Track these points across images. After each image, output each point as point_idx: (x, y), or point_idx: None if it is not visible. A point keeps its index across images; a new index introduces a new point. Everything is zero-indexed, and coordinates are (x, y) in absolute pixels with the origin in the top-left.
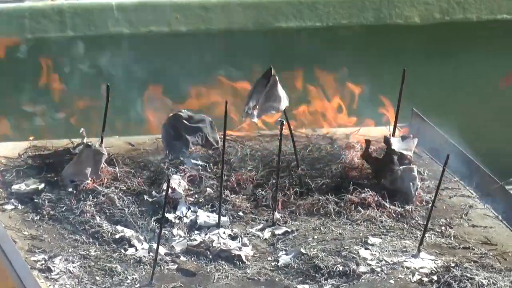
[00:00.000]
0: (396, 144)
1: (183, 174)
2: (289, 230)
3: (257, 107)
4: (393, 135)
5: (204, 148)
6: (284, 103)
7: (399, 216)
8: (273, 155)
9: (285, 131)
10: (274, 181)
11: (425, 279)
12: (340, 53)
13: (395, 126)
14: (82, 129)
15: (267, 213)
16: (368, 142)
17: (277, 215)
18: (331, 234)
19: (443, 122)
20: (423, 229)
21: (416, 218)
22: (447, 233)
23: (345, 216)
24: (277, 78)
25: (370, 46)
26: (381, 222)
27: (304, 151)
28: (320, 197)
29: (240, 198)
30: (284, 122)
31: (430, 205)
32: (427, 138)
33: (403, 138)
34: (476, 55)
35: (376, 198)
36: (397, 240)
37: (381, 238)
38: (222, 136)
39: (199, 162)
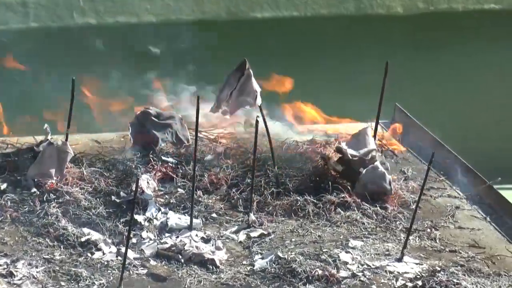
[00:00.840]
0: (352, 149)
1: (152, 173)
2: (265, 232)
3: (229, 101)
4: (375, 132)
5: (175, 146)
6: (259, 98)
7: (382, 218)
8: (249, 154)
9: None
10: (249, 180)
11: (409, 284)
12: (319, 45)
13: (377, 122)
14: (46, 125)
15: (242, 215)
16: (324, 159)
17: (252, 216)
18: (309, 236)
19: (428, 118)
20: (407, 232)
21: (400, 220)
22: (433, 236)
23: (325, 218)
24: (251, 71)
25: (350, 37)
26: (363, 224)
27: (281, 149)
28: (298, 198)
29: (214, 198)
30: (260, 119)
31: (414, 206)
32: (411, 135)
33: (355, 137)
34: (463, 47)
35: (356, 199)
36: (379, 243)
37: (362, 241)
38: (194, 133)
39: (170, 159)
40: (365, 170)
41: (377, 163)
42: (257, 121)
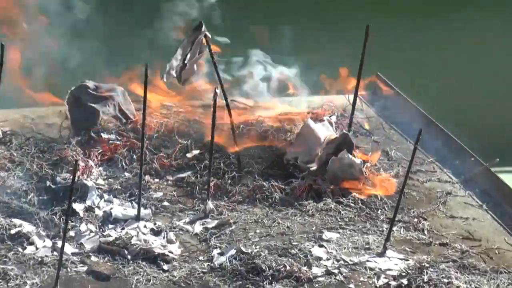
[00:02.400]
0: (300, 147)
1: (93, 154)
2: (225, 223)
3: (182, 68)
4: (354, 104)
5: (119, 121)
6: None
7: (361, 206)
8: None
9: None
10: (206, 162)
11: (393, 283)
12: (299, 8)
13: (356, 94)
14: None
15: (198, 202)
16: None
17: (210, 204)
18: (276, 227)
19: (415, 90)
20: (390, 222)
21: (382, 209)
22: (420, 226)
23: (294, 206)
24: (208, 34)
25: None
26: (339, 213)
27: (244, 125)
28: (264, 183)
29: (165, 184)
30: (218, 91)
31: (398, 192)
32: (395, 108)
33: (300, 136)
34: (459, 12)
35: (330, 186)
36: (358, 235)
37: (338, 232)
38: (142, 107)
39: (112, 136)
40: (330, 161)
41: (343, 152)
42: (215, 93)
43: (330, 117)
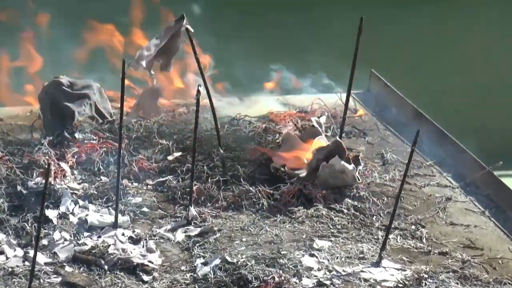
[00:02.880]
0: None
1: (68, 157)
2: (209, 230)
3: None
4: (346, 103)
5: (94, 121)
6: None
7: (355, 212)
8: (189, 132)
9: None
10: (189, 165)
11: None
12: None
13: (349, 93)
14: None
15: (180, 209)
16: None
17: (193, 211)
18: (264, 235)
19: (411, 88)
20: (386, 229)
21: (377, 215)
22: (418, 234)
23: (283, 212)
24: (190, 28)
25: None
26: (331, 219)
27: (229, 126)
28: (250, 188)
29: (144, 188)
30: (202, 89)
31: (394, 197)
32: (390, 108)
33: (284, 142)
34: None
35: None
36: (352, 244)
37: (330, 240)
38: (119, 106)
39: (89, 137)
40: (321, 166)
41: (335, 158)
42: (198, 91)
43: (319, 117)
